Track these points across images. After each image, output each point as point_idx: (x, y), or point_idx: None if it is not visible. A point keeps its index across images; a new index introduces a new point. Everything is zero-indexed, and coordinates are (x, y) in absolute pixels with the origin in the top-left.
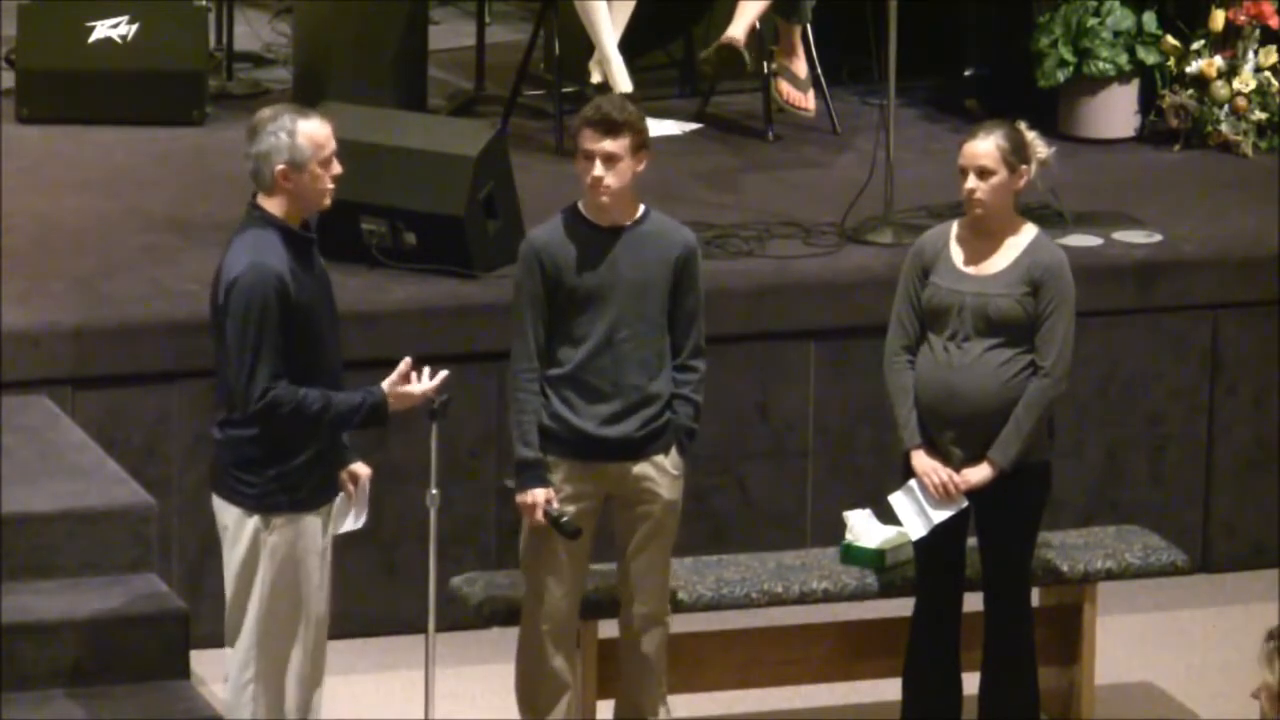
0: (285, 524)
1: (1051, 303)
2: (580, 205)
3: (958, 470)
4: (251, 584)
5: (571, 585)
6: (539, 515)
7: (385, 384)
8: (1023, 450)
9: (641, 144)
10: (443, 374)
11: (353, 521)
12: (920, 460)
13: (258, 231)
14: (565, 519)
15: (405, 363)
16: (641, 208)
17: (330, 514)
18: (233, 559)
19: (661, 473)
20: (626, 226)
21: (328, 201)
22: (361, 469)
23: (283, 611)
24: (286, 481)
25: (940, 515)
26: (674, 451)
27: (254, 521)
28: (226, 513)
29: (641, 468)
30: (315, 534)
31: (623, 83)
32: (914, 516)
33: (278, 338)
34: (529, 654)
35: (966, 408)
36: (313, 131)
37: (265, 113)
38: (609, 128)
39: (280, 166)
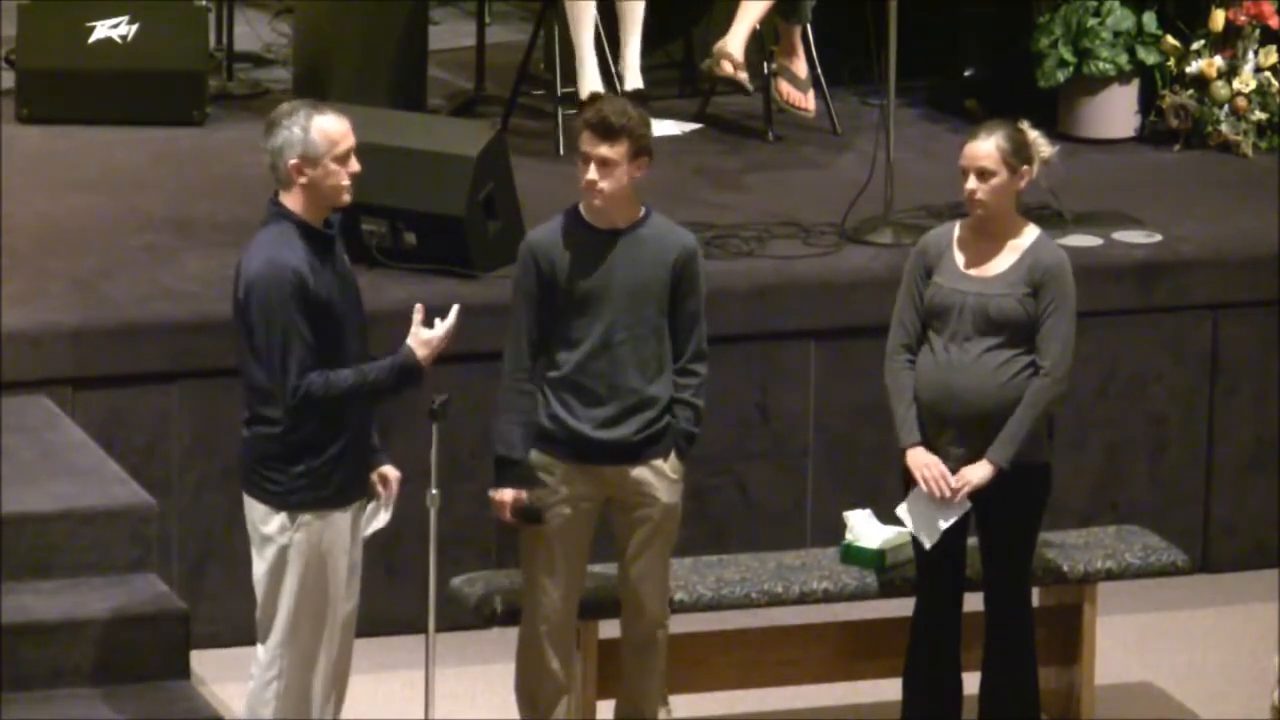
0: (312, 521)
1: (1052, 303)
2: (580, 207)
3: (955, 470)
4: (281, 582)
5: (569, 586)
6: (507, 515)
7: (409, 340)
8: (1021, 450)
9: (641, 150)
10: (455, 308)
11: (379, 522)
12: (916, 456)
13: (276, 228)
14: (529, 505)
15: (418, 310)
16: (642, 210)
17: (360, 513)
18: (262, 557)
19: (660, 476)
20: (625, 229)
21: (346, 198)
22: (391, 471)
23: (310, 609)
24: (313, 478)
25: (946, 521)
26: (673, 455)
27: (281, 519)
28: (254, 510)
29: (640, 471)
30: (343, 531)
31: (590, 84)
32: (924, 525)
33: (303, 331)
34: (528, 655)
35: (965, 408)
36: (327, 127)
37: (283, 108)
38: (606, 132)
39: (293, 161)
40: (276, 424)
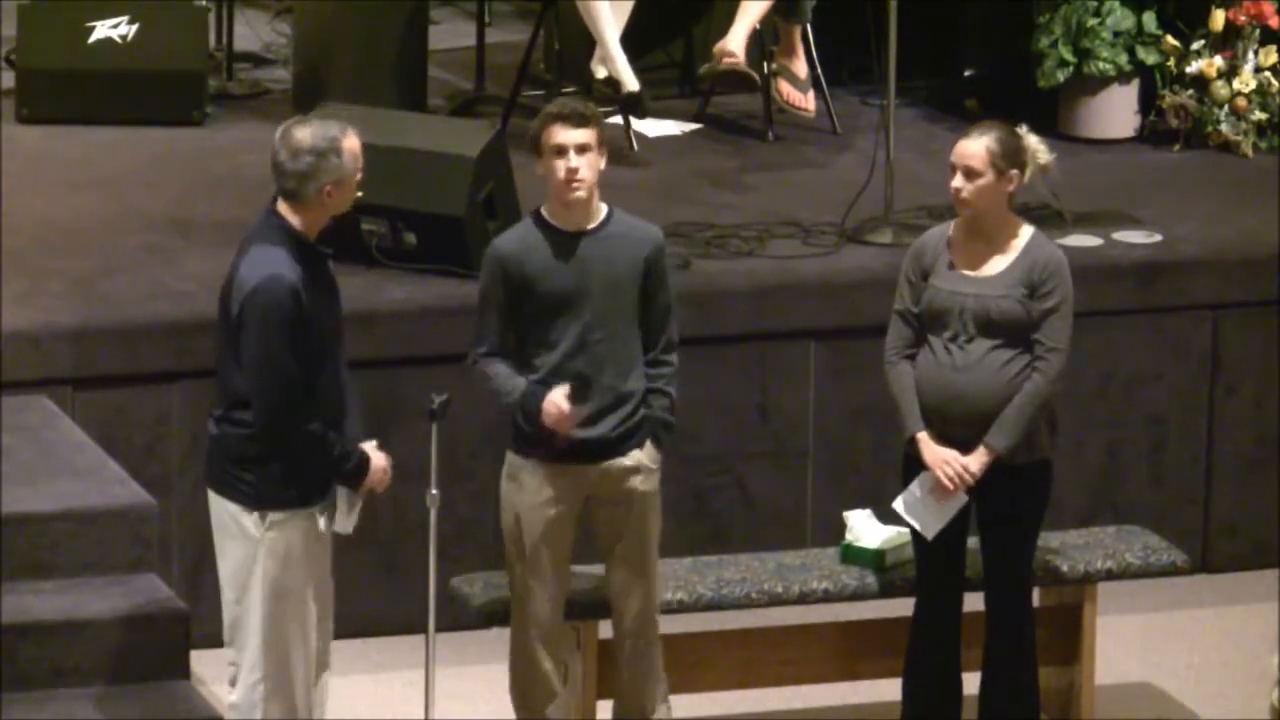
0: (286, 519)
1: (1050, 300)
2: (544, 211)
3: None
4: (250, 582)
5: (555, 588)
6: (568, 416)
7: (372, 453)
8: (1021, 446)
9: (603, 139)
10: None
11: (341, 523)
12: (932, 450)
13: (274, 243)
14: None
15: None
16: (604, 209)
17: (331, 508)
18: (228, 556)
19: (638, 468)
20: (592, 229)
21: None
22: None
23: (288, 609)
24: (286, 478)
25: (947, 514)
26: (649, 445)
27: (253, 518)
28: (223, 508)
29: (619, 465)
30: (316, 528)
31: (629, 80)
32: (925, 516)
33: (291, 358)
34: (520, 658)
35: (971, 407)
36: (355, 146)
37: (304, 133)
38: (580, 120)
39: (328, 187)
40: (250, 426)
